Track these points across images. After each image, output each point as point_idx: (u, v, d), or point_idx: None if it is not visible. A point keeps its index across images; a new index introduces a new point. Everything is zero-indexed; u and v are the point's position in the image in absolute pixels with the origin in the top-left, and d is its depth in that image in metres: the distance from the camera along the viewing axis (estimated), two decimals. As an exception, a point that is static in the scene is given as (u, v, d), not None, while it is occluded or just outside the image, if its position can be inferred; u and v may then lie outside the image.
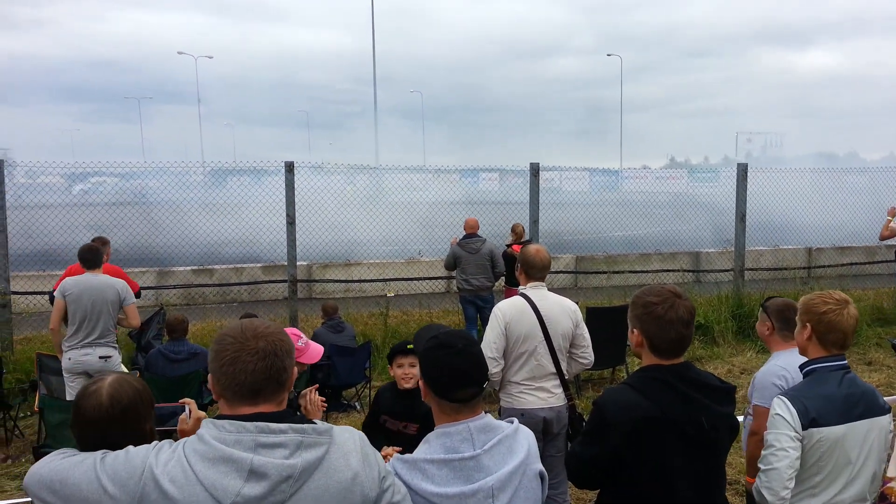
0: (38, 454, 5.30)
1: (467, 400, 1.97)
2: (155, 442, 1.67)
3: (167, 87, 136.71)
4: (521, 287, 4.11)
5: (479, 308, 8.47)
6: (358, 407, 7.26)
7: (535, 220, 9.33)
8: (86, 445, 1.75)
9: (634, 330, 2.36)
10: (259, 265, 12.39)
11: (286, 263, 8.92)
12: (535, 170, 9.49)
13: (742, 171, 9.84)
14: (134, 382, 1.92)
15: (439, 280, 12.01)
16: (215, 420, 1.63)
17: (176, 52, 70.84)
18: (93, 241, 6.76)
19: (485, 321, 8.17)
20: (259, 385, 1.64)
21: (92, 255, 5.74)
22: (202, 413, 2.24)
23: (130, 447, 1.65)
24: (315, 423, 1.66)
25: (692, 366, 2.37)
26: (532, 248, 4.12)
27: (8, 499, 5.17)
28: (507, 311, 3.93)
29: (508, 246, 8.68)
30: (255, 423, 1.59)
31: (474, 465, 1.89)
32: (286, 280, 9.24)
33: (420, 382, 2.08)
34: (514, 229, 8.99)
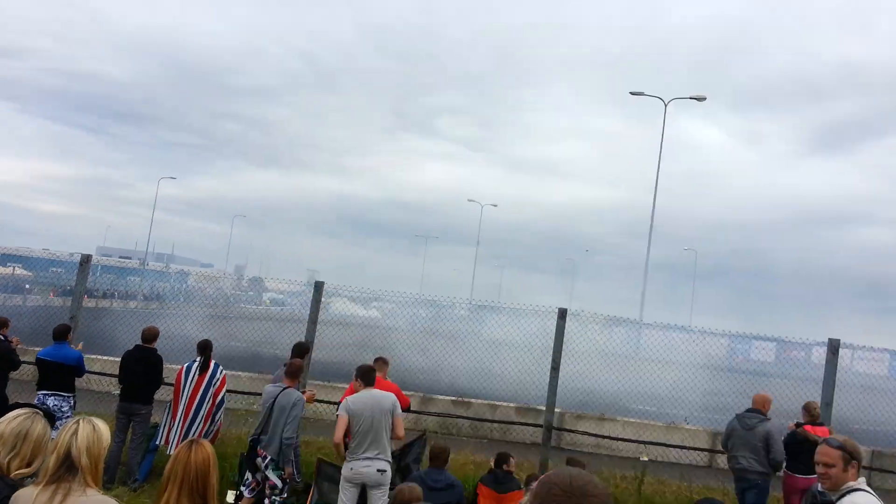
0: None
1: None
2: None
3: (452, 230, 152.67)
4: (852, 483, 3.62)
5: (743, 490, 7.58)
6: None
7: (827, 403, 8.37)
8: None
9: None
10: (513, 405, 12.53)
11: (541, 407, 8.92)
12: (834, 347, 8.61)
13: None
14: None
15: (702, 452, 10.98)
16: None
17: (466, 199, 78.99)
18: (375, 360, 7.52)
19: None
20: None
21: (368, 374, 6.36)
22: None
23: None
24: None
25: None
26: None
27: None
28: None
29: (799, 425, 7.71)
30: None
31: None
32: (539, 425, 9.19)
33: None
34: (807, 408, 7.99)
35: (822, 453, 3.75)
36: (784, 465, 7.58)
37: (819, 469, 3.79)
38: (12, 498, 2.86)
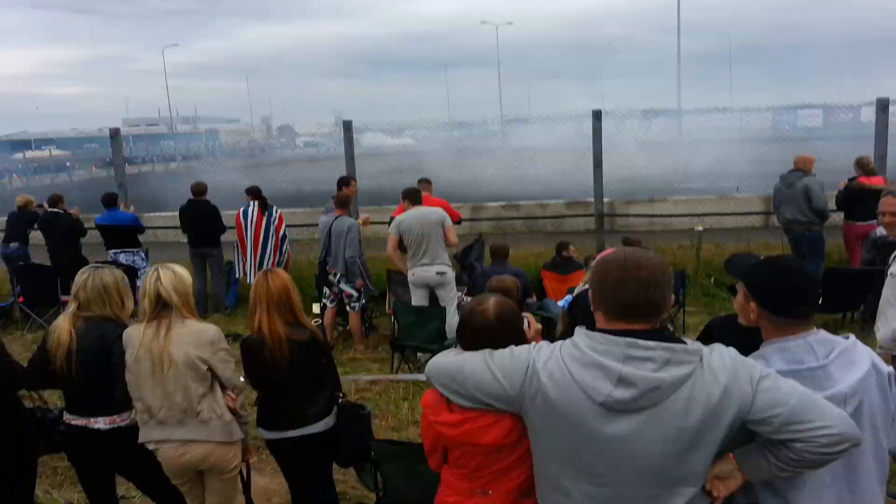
0: (395, 346, 6.38)
1: (805, 315, 2.00)
2: (534, 343, 1.98)
3: (471, 54, 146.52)
4: None
5: (795, 242, 7.89)
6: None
7: (882, 156, 8.45)
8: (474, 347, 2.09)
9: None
10: (562, 201, 12.72)
11: (590, 199, 9.14)
12: (883, 105, 8.62)
13: None
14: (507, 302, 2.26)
15: (756, 215, 11.10)
16: (588, 331, 1.85)
17: (479, 21, 74.80)
18: (418, 181, 7.80)
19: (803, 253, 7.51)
20: (637, 309, 1.81)
21: (414, 194, 6.73)
22: (538, 325, 2.50)
23: (513, 346, 1.98)
24: (686, 343, 1.79)
25: None
26: None
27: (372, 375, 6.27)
28: None
29: (852, 180, 7.68)
30: (625, 338, 1.77)
31: (823, 374, 1.92)
32: (591, 214, 9.40)
33: (748, 305, 2.07)
34: (860, 162, 7.87)
35: (888, 203, 3.95)
36: (833, 214, 7.82)
37: (885, 219, 4.01)
38: (123, 335, 3.18)
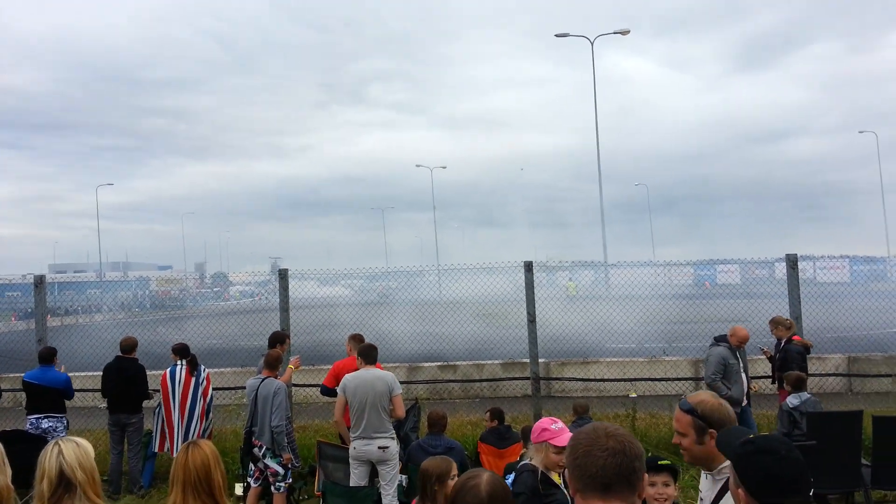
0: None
1: None
2: None
3: (407, 197, 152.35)
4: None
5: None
6: None
7: (797, 317, 8.49)
8: None
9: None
10: (498, 362, 12.72)
11: (526, 360, 9.05)
12: (792, 261, 8.74)
13: None
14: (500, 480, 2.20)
15: (686, 381, 11.35)
16: None
17: (414, 165, 78.53)
18: (351, 337, 7.50)
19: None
20: (609, 480, 1.76)
21: (368, 353, 6.37)
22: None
23: None
24: None
25: None
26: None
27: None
28: None
29: (787, 342, 7.87)
30: None
31: None
32: (527, 377, 9.34)
33: (738, 491, 1.99)
34: (778, 321, 8.08)
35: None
36: (714, 385, 7.40)
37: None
38: None
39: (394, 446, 6.24)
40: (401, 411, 6.35)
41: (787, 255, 8.82)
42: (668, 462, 3.36)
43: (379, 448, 6.11)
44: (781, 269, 11.82)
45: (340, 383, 6.36)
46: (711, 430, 2.62)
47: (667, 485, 3.23)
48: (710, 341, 7.83)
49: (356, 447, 6.15)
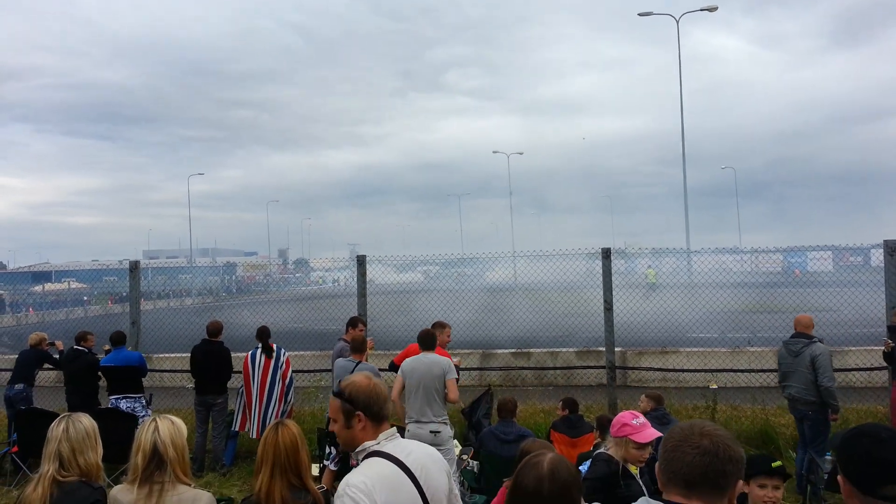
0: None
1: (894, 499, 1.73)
2: None
3: (483, 183, 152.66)
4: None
5: (800, 421, 7.10)
6: None
7: (892, 306, 7.97)
8: None
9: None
10: (573, 350, 12.55)
11: (601, 349, 8.88)
12: (891, 247, 8.16)
13: None
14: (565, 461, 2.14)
15: (772, 373, 10.86)
16: (650, 500, 1.79)
17: (491, 151, 78.63)
18: (433, 325, 7.59)
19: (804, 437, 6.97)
20: (693, 478, 1.70)
21: (426, 339, 6.53)
22: None
23: None
24: None
25: None
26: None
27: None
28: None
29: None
30: None
31: None
32: (602, 366, 9.17)
33: (840, 478, 1.88)
34: None
35: None
36: (831, 390, 6.74)
37: None
38: (110, 497, 2.94)
39: (446, 431, 6.28)
40: (454, 395, 6.35)
41: (886, 241, 8.29)
42: (781, 464, 3.24)
43: (430, 432, 6.18)
44: (878, 256, 11.15)
45: (402, 365, 6.49)
46: (359, 413, 2.59)
47: (777, 488, 3.13)
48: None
49: (410, 430, 6.26)
